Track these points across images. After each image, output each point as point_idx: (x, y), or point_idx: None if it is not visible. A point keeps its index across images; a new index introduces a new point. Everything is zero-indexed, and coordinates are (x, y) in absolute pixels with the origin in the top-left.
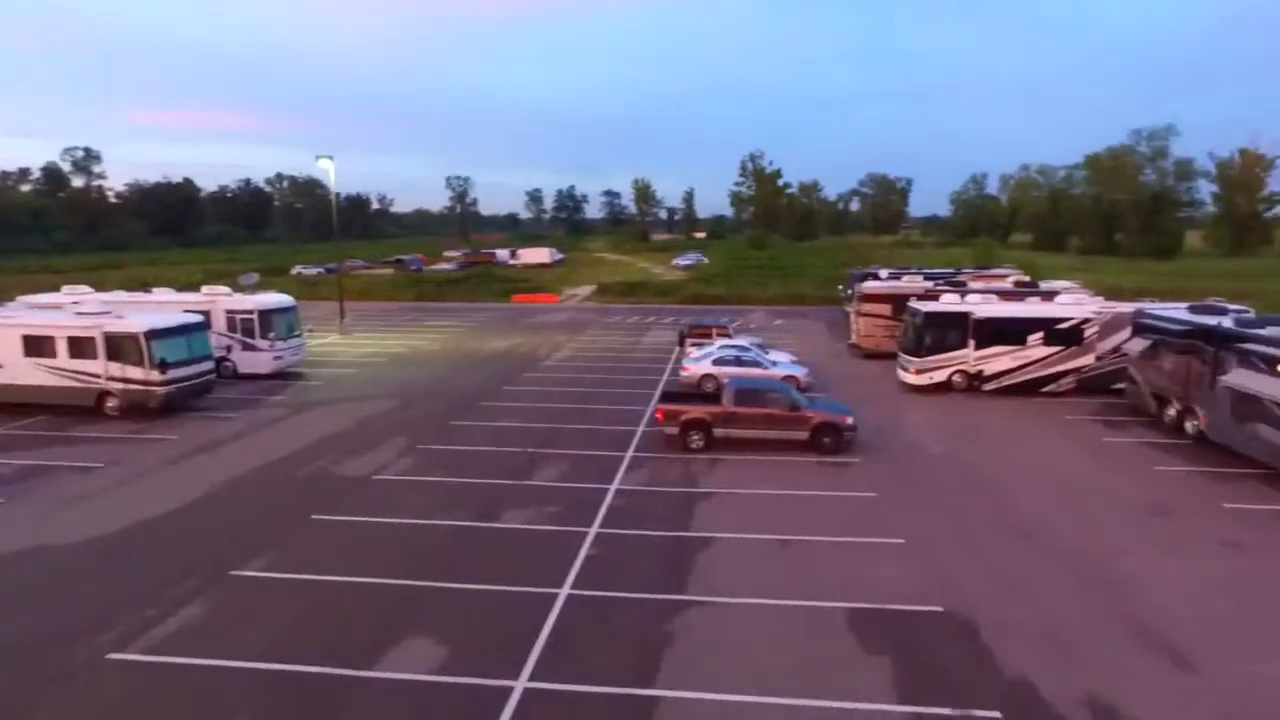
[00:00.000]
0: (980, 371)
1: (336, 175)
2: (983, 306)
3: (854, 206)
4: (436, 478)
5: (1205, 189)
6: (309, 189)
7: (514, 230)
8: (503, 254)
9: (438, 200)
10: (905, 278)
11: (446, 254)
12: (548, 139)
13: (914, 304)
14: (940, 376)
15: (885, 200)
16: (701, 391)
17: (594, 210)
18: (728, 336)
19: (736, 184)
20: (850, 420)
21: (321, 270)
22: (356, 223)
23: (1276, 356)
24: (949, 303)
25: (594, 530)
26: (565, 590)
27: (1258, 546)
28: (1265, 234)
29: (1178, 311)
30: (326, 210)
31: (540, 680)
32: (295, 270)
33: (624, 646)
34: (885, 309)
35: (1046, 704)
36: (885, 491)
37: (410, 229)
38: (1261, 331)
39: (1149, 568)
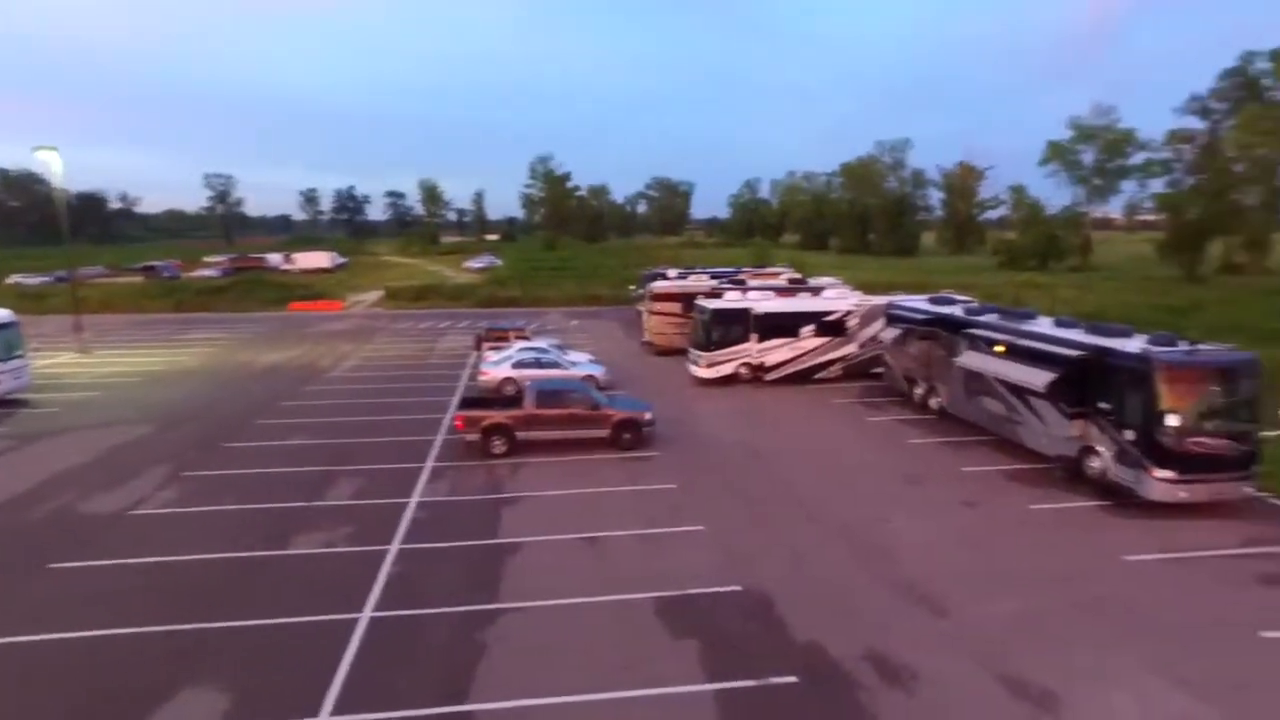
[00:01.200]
0: (762, 363)
1: (62, 169)
2: (762, 302)
3: (641, 209)
4: (208, 507)
5: (935, 195)
6: (25, 184)
7: (288, 233)
8: (275, 258)
9: (194, 200)
10: (692, 277)
11: (207, 259)
12: (324, 136)
13: (701, 302)
14: (728, 369)
15: (670, 203)
16: (502, 396)
17: (377, 212)
18: (526, 339)
19: (527, 186)
20: (649, 415)
21: (49, 279)
22: (91, 224)
23: (995, 339)
24: (732, 300)
25: (395, 547)
26: (367, 614)
27: (988, 503)
28: (981, 235)
29: (920, 303)
30: (50, 209)
31: (342, 714)
32: (13, 279)
33: (434, 664)
34: (675, 307)
35: (835, 663)
36: (684, 482)
37: (161, 231)
38: (983, 318)
39: (908, 530)
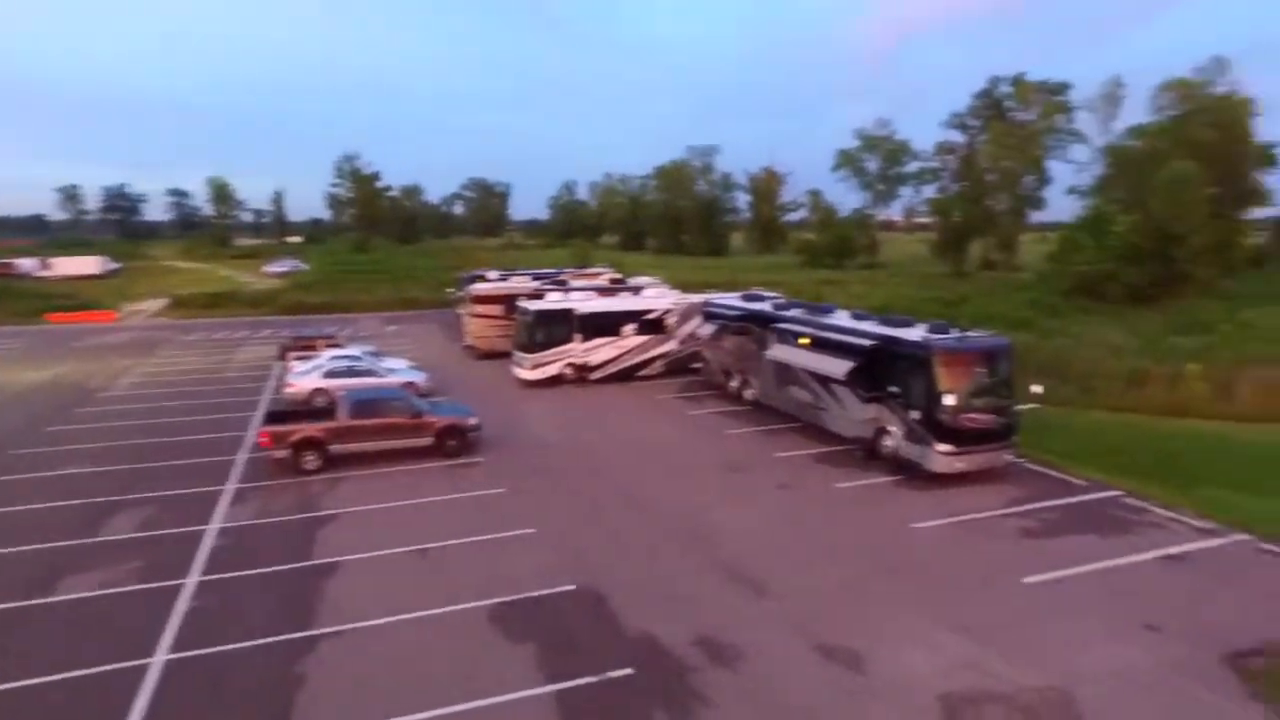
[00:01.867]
0: (587, 363)
1: None
2: (585, 303)
3: (458, 210)
4: None
5: (743, 198)
6: None
7: (44, 235)
8: (29, 263)
9: None
10: (513, 279)
11: None
12: (88, 126)
13: (524, 303)
14: (553, 370)
15: (487, 204)
16: (312, 408)
17: (156, 212)
18: (337, 346)
19: (333, 185)
20: (474, 420)
21: None
22: None
23: (800, 333)
24: (555, 300)
25: (194, 580)
26: (160, 658)
27: (799, 485)
28: (784, 236)
29: (733, 300)
30: None
31: None
32: None
33: (244, 704)
34: (497, 309)
35: (667, 651)
36: (513, 485)
37: None
38: (789, 313)
39: (730, 516)
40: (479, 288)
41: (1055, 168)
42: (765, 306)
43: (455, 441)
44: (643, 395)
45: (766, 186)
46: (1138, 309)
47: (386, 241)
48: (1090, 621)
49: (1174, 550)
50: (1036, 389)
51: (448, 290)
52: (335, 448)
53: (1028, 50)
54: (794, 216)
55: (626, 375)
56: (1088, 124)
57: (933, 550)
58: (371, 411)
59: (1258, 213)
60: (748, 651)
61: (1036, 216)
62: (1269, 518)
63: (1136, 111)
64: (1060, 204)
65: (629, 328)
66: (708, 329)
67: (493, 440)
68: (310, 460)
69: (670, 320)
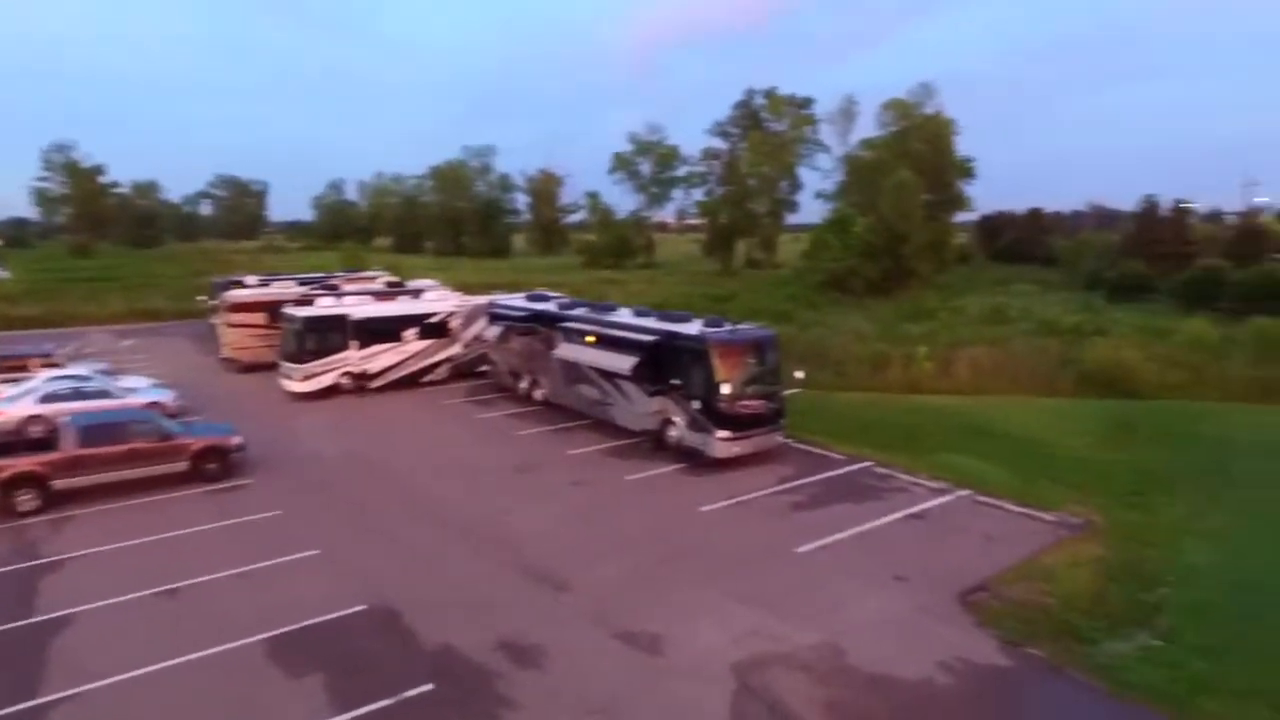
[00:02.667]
0: (365, 371)
1: None
2: (359, 308)
3: (205, 210)
4: None
5: (522, 199)
6: None
7: None
8: None
9: None
10: (276, 284)
11: None
12: None
13: (290, 310)
14: (327, 380)
15: (240, 204)
16: (26, 438)
17: None
18: (57, 366)
19: (41, 179)
20: (237, 440)
21: None
22: None
23: (585, 331)
24: (326, 306)
25: None
26: None
27: (592, 481)
28: (565, 237)
29: (518, 301)
30: None
31: None
32: None
33: None
34: (258, 318)
35: (467, 659)
36: (290, 507)
37: None
38: (574, 312)
39: (525, 517)
40: (236, 295)
41: (806, 174)
42: (550, 307)
43: (215, 464)
44: (428, 401)
45: (545, 188)
46: (877, 299)
47: (117, 246)
48: (853, 580)
49: (915, 509)
50: (799, 375)
51: (200, 299)
52: (60, 483)
53: (781, 65)
54: (574, 218)
55: (410, 381)
56: (830, 135)
57: (718, 531)
58: (106, 438)
59: (962, 216)
60: (550, 650)
61: (792, 219)
62: (981, 476)
63: (868, 125)
64: (812, 207)
65: (410, 332)
66: (493, 331)
67: (262, 460)
68: (26, 500)
69: (454, 323)
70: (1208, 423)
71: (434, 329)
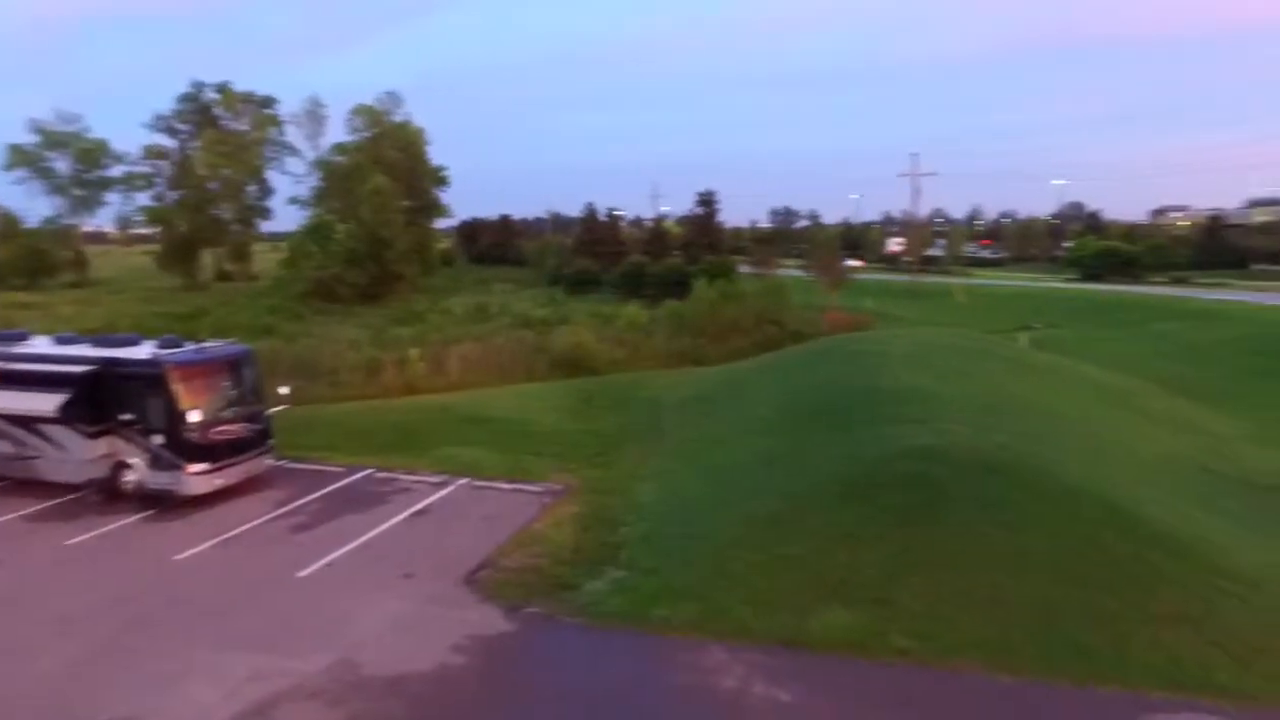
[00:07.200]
0: None
1: None
2: None
3: None
4: None
5: None
6: None
7: None
8: None
9: None
10: None
11: None
12: None
13: None
14: None
15: None
16: None
17: None
18: None
19: None
20: None
21: None
22: None
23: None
24: None
25: None
26: None
27: (13, 558)
28: None
29: None
30: None
31: None
32: None
33: None
34: None
35: None
36: None
37: None
38: None
39: None
40: None
41: (277, 179)
42: None
43: None
44: None
45: None
46: (366, 306)
47: None
48: (360, 591)
49: (419, 506)
50: (284, 390)
51: None
52: None
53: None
54: None
55: None
56: (298, 138)
57: (201, 576)
58: None
59: (443, 223)
60: None
61: (267, 226)
62: (477, 463)
63: (339, 130)
64: (287, 214)
65: None
66: None
67: None
68: None
69: None
70: (644, 388)
71: None
